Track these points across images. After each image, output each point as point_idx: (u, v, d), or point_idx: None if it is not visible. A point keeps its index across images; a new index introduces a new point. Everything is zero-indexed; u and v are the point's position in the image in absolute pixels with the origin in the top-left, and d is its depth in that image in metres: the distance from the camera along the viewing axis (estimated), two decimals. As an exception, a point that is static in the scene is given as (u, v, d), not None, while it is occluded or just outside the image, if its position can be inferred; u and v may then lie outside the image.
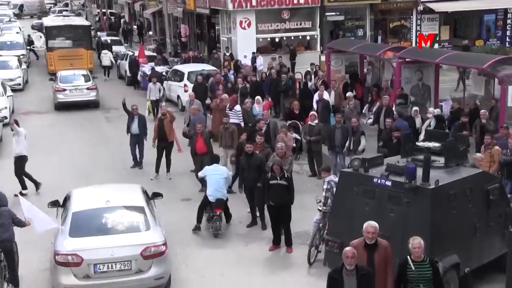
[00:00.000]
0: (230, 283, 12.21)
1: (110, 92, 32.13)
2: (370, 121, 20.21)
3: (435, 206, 10.09)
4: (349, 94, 21.00)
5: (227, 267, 12.77)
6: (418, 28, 34.39)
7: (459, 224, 10.54)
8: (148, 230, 11.38)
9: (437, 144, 10.76)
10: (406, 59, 21.33)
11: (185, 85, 26.71)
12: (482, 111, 17.56)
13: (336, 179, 12.77)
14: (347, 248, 8.70)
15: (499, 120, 18.00)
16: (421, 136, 17.80)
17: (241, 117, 20.11)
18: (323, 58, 31.80)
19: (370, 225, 9.18)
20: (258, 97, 21.81)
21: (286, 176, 13.24)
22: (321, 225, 12.83)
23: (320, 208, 12.72)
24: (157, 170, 18.56)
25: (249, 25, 32.27)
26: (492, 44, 35.24)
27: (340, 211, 11.02)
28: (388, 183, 10.36)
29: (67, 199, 12.60)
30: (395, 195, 10.29)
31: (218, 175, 14.38)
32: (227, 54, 32.11)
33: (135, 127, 19.37)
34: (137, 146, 19.50)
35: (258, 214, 14.73)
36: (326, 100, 21.53)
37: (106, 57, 36.61)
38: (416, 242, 9.00)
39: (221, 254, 13.41)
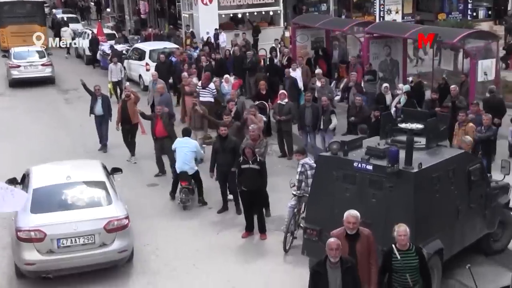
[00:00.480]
0: (203, 274, 11.59)
1: (69, 72, 31.06)
2: (338, 98, 19.64)
3: (419, 190, 9.59)
4: (318, 71, 20.38)
5: (199, 257, 12.15)
6: (382, 1, 33.84)
7: (442, 208, 10.08)
8: (110, 204, 11.51)
9: (420, 126, 10.23)
10: (374, 34, 20.78)
11: (146, 64, 25.84)
12: (453, 86, 17.17)
13: (311, 162, 12.25)
14: (331, 240, 8.16)
15: (469, 96, 17.64)
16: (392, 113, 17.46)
17: (216, 95, 19.64)
18: (287, 33, 31.21)
19: (351, 214, 8.65)
20: (227, 76, 21.14)
21: (258, 160, 12.63)
22: (295, 210, 12.32)
23: (295, 193, 12.19)
24: (132, 154, 17.94)
25: (210, 1, 31.33)
26: (454, 17, 34.94)
27: (318, 197, 10.44)
28: (369, 167, 9.81)
29: (25, 176, 12.46)
30: (376, 179, 9.75)
31: (186, 148, 14.34)
32: (188, 31, 31.08)
33: (99, 108, 18.63)
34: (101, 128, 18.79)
35: (231, 198, 14.12)
36: (293, 78, 20.91)
37: (67, 34, 35.46)
38: (401, 230, 8.51)
39: (193, 242, 12.76)
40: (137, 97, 18.10)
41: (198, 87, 19.90)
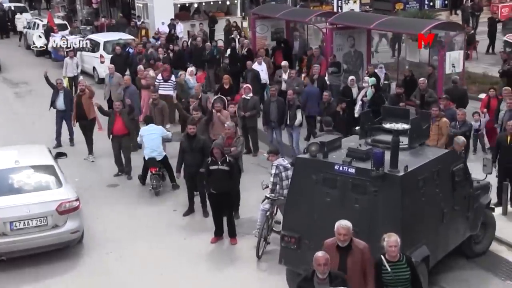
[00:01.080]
0: (171, 283, 10.77)
1: (18, 64, 29.68)
2: (297, 88, 18.72)
3: (405, 194, 8.93)
4: (284, 63, 19.58)
5: (166, 264, 11.30)
6: (339, -9, 33.29)
7: (428, 212, 9.47)
8: (61, 187, 11.75)
9: (406, 126, 9.55)
10: (338, 25, 20.11)
11: (101, 56, 24.73)
12: (422, 79, 16.66)
13: (285, 163, 11.52)
14: (319, 254, 7.43)
15: (437, 89, 17.14)
16: (357, 107, 16.83)
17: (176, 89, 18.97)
18: (245, 24, 30.42)
19: (342, 225, 7.92)
20: (191, 68, 20.15)
21: (228, 160, 11.82)
22: (268, 213, 11.57)
23: (269, 195, 11.43)
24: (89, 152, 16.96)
25: (165, -11, 30.29)
26: (412, 7, 34.60)
27: (296, 202, 9.69)
28: (352, 170, 9.11)
29: None
30: (360, 183, 9.05)
31: (154, 135, 14.35)
32: (143, 22, 29.84)
33: (60, 103, 17.58)
34: (64, 123, 17.77)
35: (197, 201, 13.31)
36: (256, 71, 20.10)
37: (20, 22, 33.99)
38: (392, 240, 7.85)
39: (159, 249, 11.89)
40: (91, 92, 17.07)
41: (158, 80, 19.07)
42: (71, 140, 17.92)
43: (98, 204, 13.71)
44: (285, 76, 18.96)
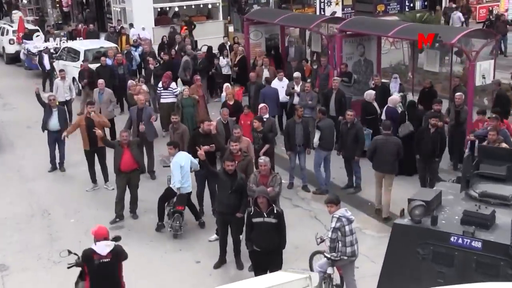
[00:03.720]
0: None
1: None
2: (311, 103, 16.00)
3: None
4: (296, 74, 16.75)
5: None
6: (321, -8, 30.59)
7: None
8: None
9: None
10: (347, 32, 17.39)
11: (81, 65, 21.42)
12: (458, 94, 14.07)
13: (348, 214, 8.77)
14: None
15: (468, 104, 14.59)
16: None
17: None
18: (231, 28, 27.48)
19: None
20: (227, 84, 16.95)
21: (275, 211, 9.02)
22: (325, 274, 8.84)
23: (329, 255, 8.67)
24: (93, 180, 14.02)
25: (145, -8, 27.14)
26: (393, 8, 32.22)
27: (395, 283, 6.95)
28: (477, 244, 6.43)
29: None
30: (489, 262, 6.39)
31: (181, 163, 11.35)
32: (122, 27, 26.42)
33: (54, 122, 14.58)
34: (56, 145, 14.83)
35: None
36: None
37: None
38: None
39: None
40: (106, 123, 14.23)
41: (159, 88, 17.19)
42: (62, 165, 14.90)
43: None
44: (297, 89, 16.18)
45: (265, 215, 8.91)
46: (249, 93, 17.21)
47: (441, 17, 28.95)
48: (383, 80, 16.96)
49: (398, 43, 23.86)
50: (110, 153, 12.74)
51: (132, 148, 12.09)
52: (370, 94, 15.09)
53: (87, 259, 8.19)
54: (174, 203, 11.53)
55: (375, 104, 15.01)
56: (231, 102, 15.71)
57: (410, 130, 13.95)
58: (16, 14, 31.33)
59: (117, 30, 25.69)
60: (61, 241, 11.45)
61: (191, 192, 11.69)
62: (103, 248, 8.13)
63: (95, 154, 13.69)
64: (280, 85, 16.70)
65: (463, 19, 28.31)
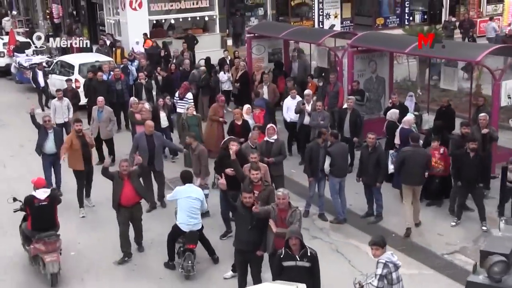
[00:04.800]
0: None
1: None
2: (323, 123, 14.92)
3: None
4: (307, 92, 15.65)
5: None
6: (320, 6, 29.62)
7: None
8: None
9: None
10: (359, 48, 16.41)
11: (76, 81, 20.29)
12: (482, 115, 13.05)
13: (395, 259, 7.68)
14: None
15: (493, 124, 13.62)
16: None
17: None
18: (229, 42, 26.42)
19: None
20: (247, 106, 15.54)
21: (309, 253, 7.93)
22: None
23: (372, 306, 7.59)
24: (82, 204, 13.00)
25: (140, 5, 25.98)
26: (392, 21, 31.35)
27: None
28: None
29: None
30: None
31: (192, 198, 10.23)
32: (118, 40, 25.22)
33: (50, 145, 13.37)
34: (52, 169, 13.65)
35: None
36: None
37: None
38: None
39: None
40: (91, 144, 13.31)
41: (175, 98, 16.81)
42: (58, 189, 13.65)
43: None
44: (308, 108, 15.11)
45: (298, 259, 7.82)
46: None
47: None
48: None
49: (400, 57, 22.92)
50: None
51: (133, 179, 10.71)
52: (394, 113, 14.09)
53: (29, 203, 10.04)
54: (184, 241, 10.34)
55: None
56: (239, 122, 14.64)
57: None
58: (8, 22, 30.08)
59: (108, 44, 24.41)
60: (61, 279, 10.25)
61: (202, 227, 10.54)
62: (42, 193, 10.04)
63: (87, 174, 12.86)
64: (292, 103, 15.62)
65: (498, 30, 27.38)
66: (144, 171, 11.42)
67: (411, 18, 31.68)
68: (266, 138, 12.88)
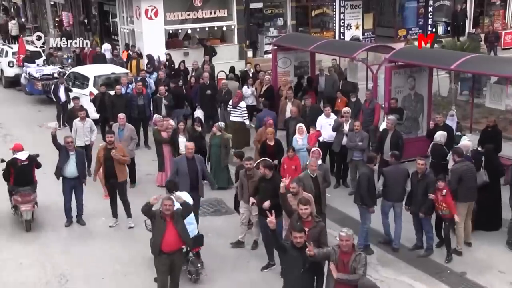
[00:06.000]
0: None
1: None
2: (361, 144, 13.88)
3: None
4: (346, 109, 14.54)
5: None
6: (341, 16, 28.65)
7: None
8: None
9: None
10: (397, 63, 15.39)
11: (91, 93, 19.34)
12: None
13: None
14: None
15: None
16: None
17: (246, 116, 16.64)
18: (249, 53, 25.45)
19: None
20: (301, 125, 14.13)
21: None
22: None
23: None
24: (114, 214, 12.63)
25: (156, 14, 24.98)
26: (415, 33, 30.34)
27: None
28: None
29: None
30: None
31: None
32: (135, 51, 23.96)
33: (71, 169, 12.30)
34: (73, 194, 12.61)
35: None
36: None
37: None
38: None
39: None
40: (125, 160, 12.56)
41: (229, 106, 16.98)
42: (80, 217, 12.70)
43: None
44: (346, 128, 14.06)
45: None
46: (288, 130, 15.07)
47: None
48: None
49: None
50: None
51: (177, 222, 9.12)
52: (443, 136, 13.13)
53: (13, 164, 12.23)
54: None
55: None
56: (272, 143, 13.62)
57: (484, 180, 11.90)
58: (16, 26, 29.17)
59: (132, 55, 23.28)
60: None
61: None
62: (23, 155, 12.24)
63: (115, 190, 12.37)
64: (327, 122, 14.56)
65: None
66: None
67: (433, 30, 30.66)
68: (310, 164, 11.83)
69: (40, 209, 12.87)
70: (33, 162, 12.36)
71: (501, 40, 30.26)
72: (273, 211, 8.44)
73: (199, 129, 14.40)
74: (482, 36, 28.36)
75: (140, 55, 23.55)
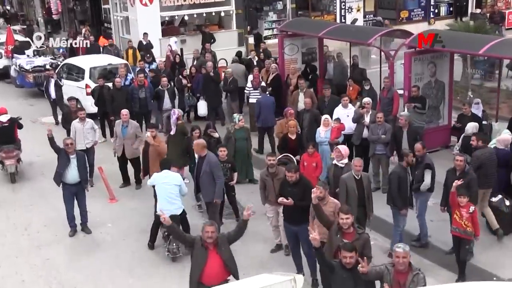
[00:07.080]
0: None
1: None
2: (384, 137, 12.83)
3: None
4: (367, 99, 13.47)
5: None
6: (342, -1, 27.59)
7: None
8: None
9: None
10: (417, 49, 14.39)
11: (87, 86, 18.19)
12: None
13: None
14: None
15: None
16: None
17: None
18: (251, 40, 24.32)
19: None
20: (327, 117, 13.11)
21: None
22: None
23: None
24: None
25: (151, 0, 23.80)
26: (417, 15, 29.34)
27: None
28: None
29: None
30: None
31: (168, 184, 10.25)
32: (130, 40, 22.77)
33: (73, 174, 11.15)
34: (75, 201, 11.50)
35: None
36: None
37: None
38: None
39: None
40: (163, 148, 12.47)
41: (248, 88, 16.71)
42: (85, 225, 11.64)
43: None
44: (367, 119, 13.06)
45: None
46: (302, 124, 14.03)
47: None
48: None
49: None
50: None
51: (221, 249, 7.72)
52: (475, 127, 12.20)
53: None
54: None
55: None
56: (293, 137, 12.63)
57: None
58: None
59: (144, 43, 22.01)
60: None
61: (184, 211, 10.47)
62: (4, 118, 14.16)
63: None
64: (344, 113, 13.55)
65: None
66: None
67: (436, 11, 29.67)
68: (334, 162, 10.85)
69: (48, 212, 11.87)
70: (14, 123, 14.35)
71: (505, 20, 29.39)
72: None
73: (216, 135, 12.99)
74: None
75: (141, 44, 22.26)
